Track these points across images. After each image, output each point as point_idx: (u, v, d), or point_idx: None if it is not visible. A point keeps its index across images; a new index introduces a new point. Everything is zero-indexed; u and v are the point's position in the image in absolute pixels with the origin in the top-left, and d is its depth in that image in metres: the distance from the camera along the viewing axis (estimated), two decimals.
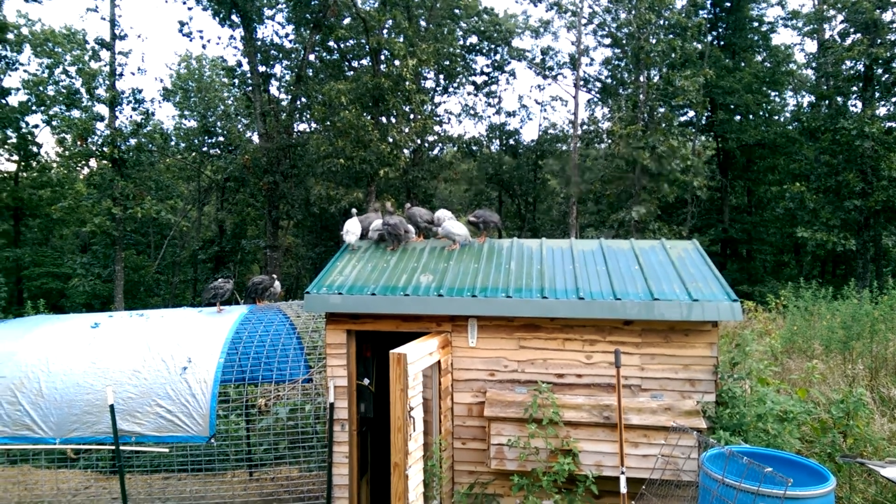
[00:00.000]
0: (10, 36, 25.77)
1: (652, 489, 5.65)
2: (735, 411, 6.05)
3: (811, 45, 31.57)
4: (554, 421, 5.87)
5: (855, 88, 24.81)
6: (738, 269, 29.71)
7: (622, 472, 5.64)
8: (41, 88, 27.27)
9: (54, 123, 26.80)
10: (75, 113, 24.92)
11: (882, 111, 24.34)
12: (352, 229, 7.65)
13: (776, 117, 30.79)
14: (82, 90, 24.38)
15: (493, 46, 31.66)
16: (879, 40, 22.73)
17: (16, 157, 29.54)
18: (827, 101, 25.65)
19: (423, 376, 5.72)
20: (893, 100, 24.44)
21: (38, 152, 29.52)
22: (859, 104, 24.67)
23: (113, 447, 6.18)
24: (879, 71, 23.70)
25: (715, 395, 6.11)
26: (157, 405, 6.18)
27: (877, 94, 24.04)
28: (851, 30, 24.44)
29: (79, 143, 22.69)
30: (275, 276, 8.18)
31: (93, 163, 24.51)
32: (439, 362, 6.14)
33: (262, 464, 8.90)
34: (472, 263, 7.01)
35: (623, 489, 5.60)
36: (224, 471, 8.79)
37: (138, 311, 7.61)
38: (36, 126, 29.07)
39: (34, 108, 27.66)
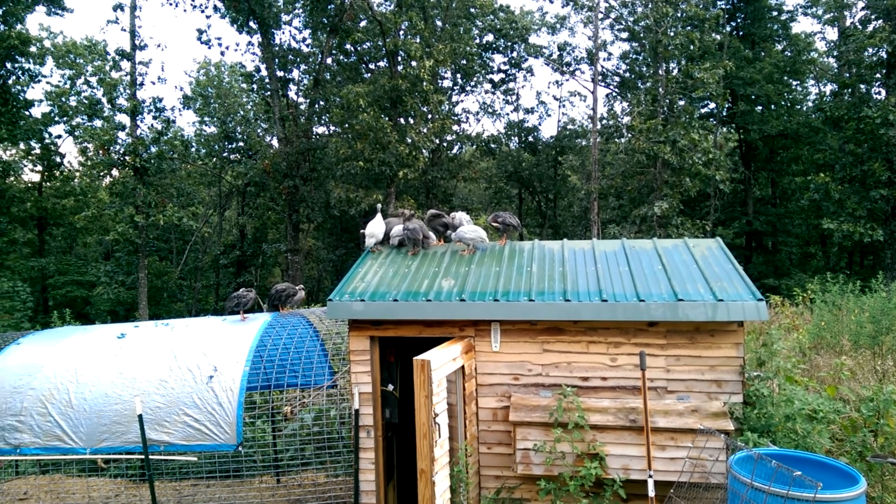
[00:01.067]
0: (33, 49, 26.23)
1: (680, 492, 5.60)
2: (763, 412, 5.97)
3: (832, 33, 31.03)
4: (579, 425, 5.84)
5: (878, 76, 24.37)
6: (764, 262, 29.36)
7: (650, 476, 5.60)
8: (63, 99, 27.75)
9: (77, 134, 27.26)
10: (97, 123, 25.37)
11: None
12: (374, 232, 7.66)
13: (798, 107, 30.36)
14: (104, 100, 24.80)
15: (509, 44, 31.59)
16: None
17: (39, 168, 30.12)
18: (850, 90, 25.22)
19: (447, 382, 5.72)
20: None
21: (61, 162, 30.07)
22: (883, 92, 24.22)
23: (142, 456, 6.26)
24: None
25: (742, 396, 6.03)
26: (185, 414, 6.25)
27: None
28: (873, 16, 24.02)
29: (101, 152, 23.04)
30: (299, 286, 8.22)
31: (115, 172, 24.84)
32: (463, 367, 6.14)
33: (289, 469, 8.97)
34: (494, 267, 7.00)
35: (651, 493, 5.56)
36: (252, 477, 8.87)
37: (163, 321, 7.71)
38: (59, 136, 29.64)
39: (57, 118, 28.17)
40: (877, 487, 6.29)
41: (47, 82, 28.88)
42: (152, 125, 24.56)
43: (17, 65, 25.51)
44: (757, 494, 4.47)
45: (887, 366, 9.80)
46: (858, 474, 4.60)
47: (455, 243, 7.69)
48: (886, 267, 22.82)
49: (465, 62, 28.94)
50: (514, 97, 34.31)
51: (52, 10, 25.06)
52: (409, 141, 21.29)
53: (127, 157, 22.76)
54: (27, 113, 26.96)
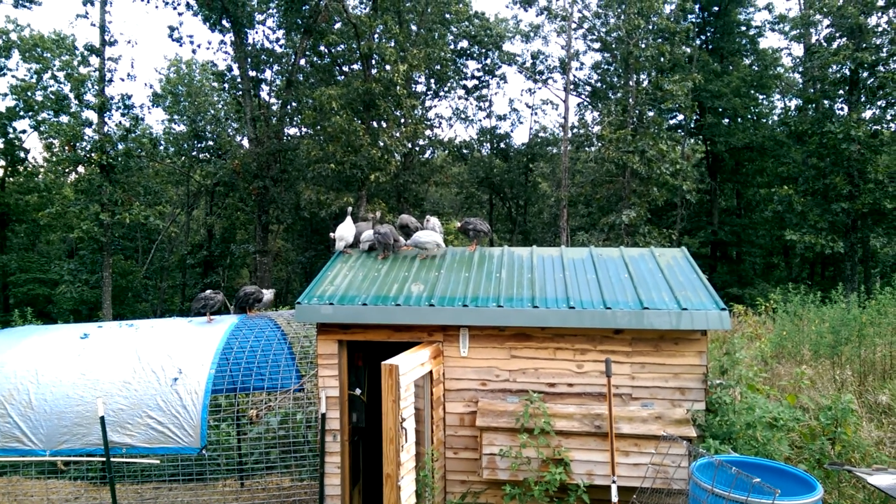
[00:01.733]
0: None
1: (643, 498, 5.68)
2: (724, 419, 6.09)
3: (798, 49, 31.86)
4: (545, 430, 5.89)
5: (841, 92, 25.02)
6: (728, 272, 29.92)
7: (613, 481, 5.67)
8: (29, 94, 27.11)
9: (42, 129, 26.65)
10: (63, 118, 24.79)
11: (868, 114, 24.56)
12: (344, 235, 7.65)
13: (764, 120, 31.05)
14: (71, 95, 24.29)
15: (483, 51, 31.74)
16: (864, 44, 22.94)
17: (2, 163, 29.36)
18: (814, 105, 25.86)
19: (415, 386, 5.73)
20: (879, 103, 24.67)
21: (25, 157, 29.36)
22: (845, 108, 24.88)
23: (103, 458, 6.14)
24: (865, 74, 23.91)
25: (705, 403, 6.15)
26: (148, 417, 6.16)
27: (862, 98, 24.26)
28: (837, 34, 24.66)
29: (67, 148, 22.56)
30: (268, 289, 8.16)
31: (81, 168, 24.35)
32: (431, 372, 6.15)
33: (253, 473, 8.88)
34: (463, 272, 7.03)
35: (614, 498, 5.63)
36: (215, 480, 8.76)
37: (128, 322, 7.58)
38: (24, 131, 28.94)
39: (22, 113, 27.49)
40: (833, 494, 6.45)
41: (13, 76, 28.11)
42: (120, 122, 24.15)
43: None
44: (717, 500, 4.55)
45: (846, 375, 10.05)
46: (816, 481, 4.72)
47: (409, 248, 7.69)
48: (846, 278, 23.41)
49: (439, 67, 29.01)
50: (487, 104, 34.56)
51: (20, 2, 24.53)
52: (382, 144, 21.24)
53: (93, 154, 22.31)
54: None
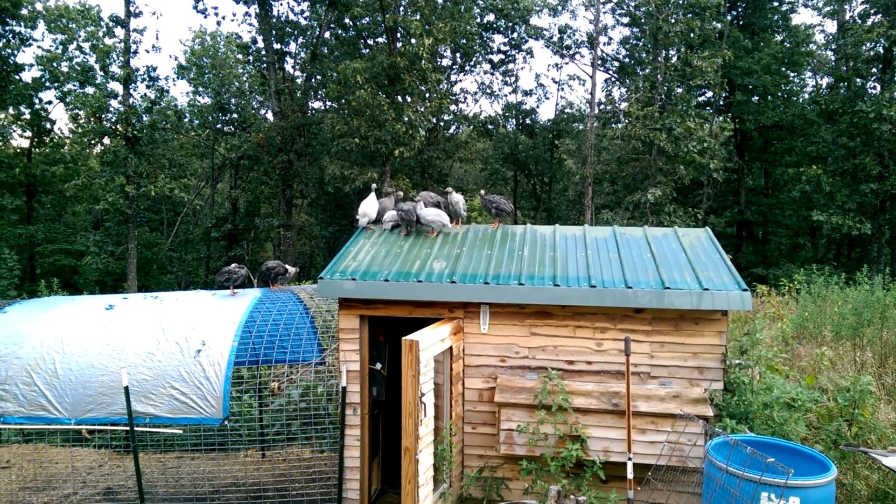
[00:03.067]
0: (24, 11, 25.84)
1: (658, 475, 5.72)
2: (742, 399, 6.09)
3: (831, 26, 30.99)
4: (563, 407, 5.94)
5: (874, 70, 24.40)
6: (754, 252, 29.57)
7: (629, 458, 5.71)
8: (55, 65, 27.36)
9: (68, 100, 26.92)
10: (89, 90, 25.01)
11: None
12: (367, 211, 7.70)
13: (794, 99, 30.39)
14: (96, 67, 24.48)
15: (510, 24, 31.31)
16: None
17: (29, 134, 29.75)
18: (846, 83, 25.25)
19: (434, 362, 5.80)
20: None
21: (51, 129, 29.72)
22: (878, 86, 24.27)
23: (127, 428, 6.31)
24: None
25: (723, 383, 6.15)
26: (172, 387, 6.30)
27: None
28: (872, 10, 24.00)
29: (92, 120, 22.82)
30: (290, 265, 8.25)
31: (106, 140, 24.63)
32: (451, 348, 6.21)
33: (274, 444, 9.06)
34: (486, 250, 7.05)
35: (630, 475, 5.67)
36: (237, 451, 8.96)
37: (152, 294, 7.72)
38: (49, 102, 29.27)
39: (48, 84, 27.78)
40: (848, 475, 6.44)
41: (38, 46, 28.38)
42: (145, 94, 24.34)
43: (7, 27, 25.15)
44: (731, 479, 4.58)
45: (866, 357, 9.97)
46: (830, 462, 4.72)
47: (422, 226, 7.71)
48: (872, 260, 23.04)
49: (464, 41, 28.69)
50: (513, 79, 34.18)
51: None
52: (406, 119, 21.17)
53: (119, 126, 22.57)
54: (17, 77, 26.62)
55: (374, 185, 8.17)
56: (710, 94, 28.04)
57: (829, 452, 6.12)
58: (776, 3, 29.64)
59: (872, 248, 23.64)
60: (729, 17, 28.28)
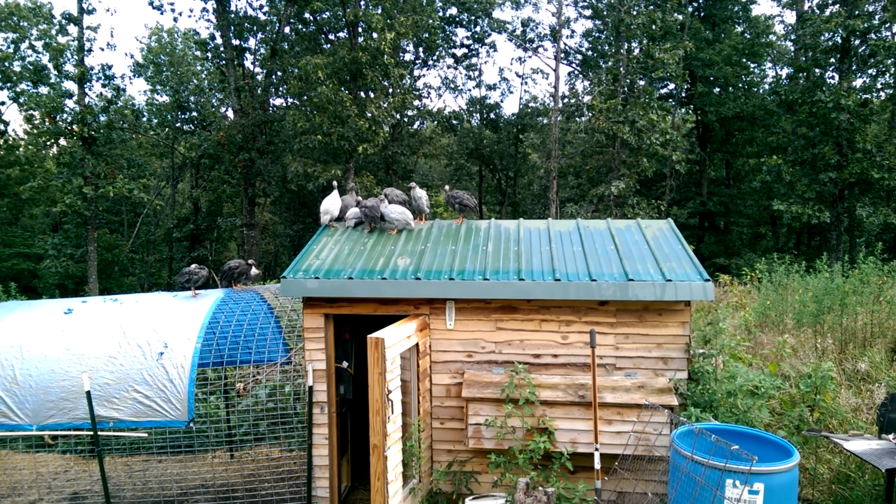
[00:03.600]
0: None
1: (625, 464, 5.78)
2: (706, 388, 6.18)
3: (790, 17, 31.67)
4: (530, 401, 5.95)
5: (832, 60, 24.95)
6: (716, 242, 30.10)
7: (596, 449, 5.75)
8: (7, 64, 26.52)
9: (21, 100, 26.17)
10: (43, 90, 24.35)
11: (858, 83, 24.55)
12: (329, 209, 7.63)
13: (755, 90, 30.95)
14: (50, 66, 23.84)
15: (472, 18, 31.32)
16: (857, 12, 22.81)
17: None
18: (805, 74, 25.78)
19: (401, 359, 5.76)
20: (870, 71, 24.64)
21: (5, 130, 28.85)
22: (836, 76, 24.84)
23: (91, 432, 6.16)
24: (856, 42, 23.82)
25: (687, 372, 6.23)
26: (135, 391, 6.16)
27: (853, 67, 24.21)
28: (830, 1, 24.49)
29: (47, 120, 22.24)
30: (251, 261, 8.12)
31: (62, 141, 24.02)
32: (417, 345, 6.18)
33: (242, 445, 8.94)
34: (450, 245, 7.03)
35: (597, 465, 5.72)
36: (204, 452, 8.82)
37: (112, 297, 7.53)
38: (2, 103, 28.51)
39: (0, 84, 26.95)
40: (811, 459, 6.59)
41: None
42: (101, 93, 23.83)
43: None
44: (696, 467, 4.64)
45: (827, 344, 10.21)
46: (793, 448, 4.81)
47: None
48: (831, 248, 23.61)
49: (427, 35, 28.59)
50: (477, 73, 34.26)
51: None
52: (369, 115, 21.02)
53: (74, 126, 22.02)
54: None
55: (334, 183, 8.08)
56: (672, 86, 28.43)
57: (792, 438, 6.25)
58: None
59: (831, 237, 24.22)
60: (690, 9, 28.68)
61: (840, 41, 23.92)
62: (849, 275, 13.37)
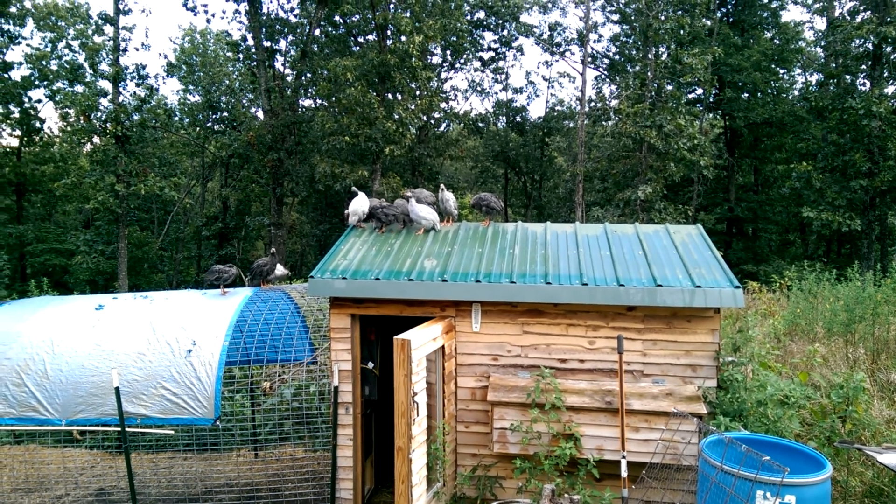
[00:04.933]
0: (13, 9, 25.63)
1: (652, 473, 5.71)
2: (736, 396, 6.08)
3: (820, 23, 31.12)
4: (556, 406, 5.91)
5: (863, 67, 24.51)
6: (744, 248, 29.71)
7: (623, 457, 5.70)
8: (44, 63, 27.16)
9: (57, 98, 26.74)
10: (79, 88, 24.86)
11: (890, 90, 24.07)
12: (357, 210, 7.65)
13: (784, 96, 30.54)
14: (86, 65, 24.34)
15: (500, 21, 31.29)
16: (889, 18, 22.37)
17: (18, 132, 29.53)
18: (835, 80, 25.35)
19: (426, 361, 5.76)
20: None
21: (40, 127, 29.52)
22: (867, 83, 24.39)
23: (118, 428, 6.25)
24: (888, 49, 23.36)
25: (716, 381, 6.14)
26: (163, 388, 6.24)
27: (885, 73, 23.74)
28: (861, 7, 24.10)
29: (82, 118, 22.66)
30: (273, 251, 8.18)
31: (96, 139, 24.47)
32: (443, 347, 6.18)
33: (267, 444, 9.01)
34: (477, 248, 7.02)
35: (624, 473, 5.66)
36: (229, 450, 8.90)
37: (142, 294, 7.65)
38: (39, 101, 29.04)
39: (37, 82, 27.58)
40: (843, 472, 6.46)
41: (27, 44, 28.22)
42: (135, 92, 24.23)
43: None
44: (726, 478, 4.57)
45: (858, 354, 10.00)
46: (825, 459, 4.71)
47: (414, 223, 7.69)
48: (862, 256, 23.17)
49: (454, 39, 28.63)
50: (504, 76, 34.13)
51: None
52: (397, 117, 21.12)
53: (108, 125, 22.41)
54: (6, 75, 26.41)
55: (353, 189, 8.09)
56: (700, 91, 28.12)
57: (824, 449, 6.13)
58: (765, 0, 29.75)
59: (862, 245, 23.77)
60: (719, 14, 28.38)
61: (871, 48, 23.49)
62: (881, 284, 13.10)
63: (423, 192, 7.94)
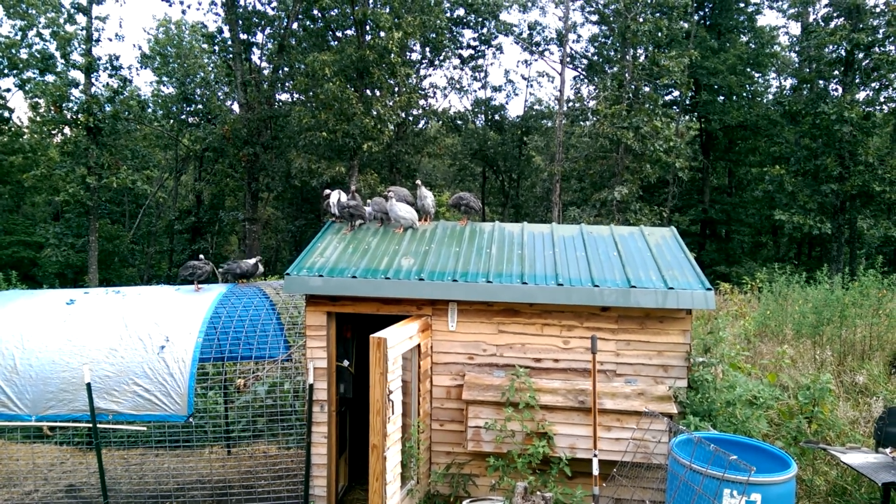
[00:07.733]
0: None
1: (623, 471, 5.79)
2: (706, 396, 6.19)
3: (795, 28, 31.67)
4: (530, 405, 5.96)
5: (836, 73, 25.00)
6: (717, 250, 30.14)
7: (595, 455, 5.77)
8: (14, 51, 26.49)
9: (27, 88, 26.14)
10: (49, 78, 24.32)
11: (861, 96, 24.58)
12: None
13: (758, 99, 31.00)
14: (57, 54, 23.81)
15: (480, 19, 31.27)
16: (861, 25, 22.87)
17: None
18: (808, 85, 25.83)
19: (402, 359, 5.78)
20: (873, 85, 24.68)
21: (9, 117, 28.82)
22: (840, 88, 24.87)
23: (89, 424, 6.17)
24: (860, 56, 23.88)
25: (687, 381, 6.25)
26: (135, 384, 6.17)
27: (857, 80, 24.25)
28: (835, 14, 24.55)
29: (53, 109, 22.23)
30: (252, 259, 8.10)
31: (67, 130, 24.01)
32: (419, 345, 6.19)
33: (240, 441, 8.95)
34: (454, 247, 7.05)
35: (595, 471, 5.73)
36: (202, 447, 8.83)
37: (114, 289, 7.55)
38: (8, 90, 28.39)
39: (6, 71, 26.90)
40: (808, 471, 6.61)
41: None
42: (108, 83, 23.77)
43: None
44: (695, 476, 4.66)
45: (826, 355, 10.22)
46: (790, 459, 4.83)
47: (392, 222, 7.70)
48: (832, 259, 23.65)
49: (434, 36, 28.54)
50: (483, 74, 34.16)
51: None
52: (375, 113, 21.03)
53: (80, 116, 22.01)
54: None
55: (326, 191, 7.99)
56: (676, 93, 28.46)
57: (790, 449, 6.27)
58: (742, 4, 30.17)
59: (832, 248, 24.26)
60: (696, 18, 28.71)
61: (844, 54, 23.99)
62: (849, 287, 13.39)
63: (402, 191, 7.94)
